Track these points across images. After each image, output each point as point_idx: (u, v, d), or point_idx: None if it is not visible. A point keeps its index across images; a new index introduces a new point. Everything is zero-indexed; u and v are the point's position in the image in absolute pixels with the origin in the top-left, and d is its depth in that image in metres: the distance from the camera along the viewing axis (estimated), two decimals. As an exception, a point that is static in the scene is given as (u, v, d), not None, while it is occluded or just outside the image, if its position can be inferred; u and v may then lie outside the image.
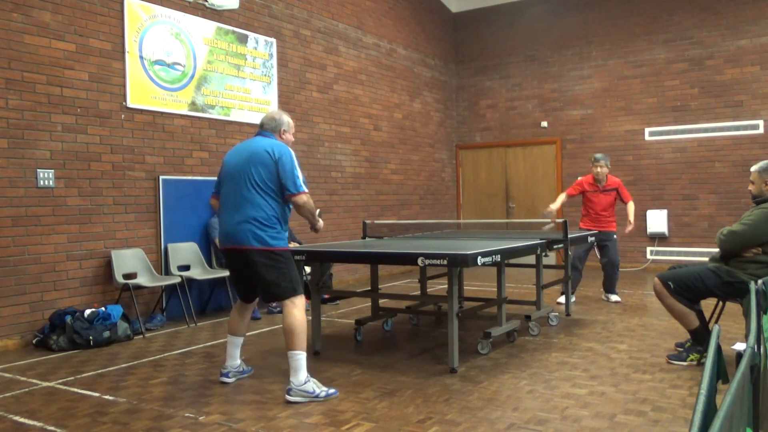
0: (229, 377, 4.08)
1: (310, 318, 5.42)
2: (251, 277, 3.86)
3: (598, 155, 7.08)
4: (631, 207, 7.09)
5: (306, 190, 3.81)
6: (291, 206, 3.88)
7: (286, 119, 4.03)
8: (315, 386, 3.70)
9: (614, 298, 7.01)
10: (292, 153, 3.85)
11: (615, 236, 6.99)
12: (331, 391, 3.77)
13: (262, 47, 7.69)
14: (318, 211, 4.05)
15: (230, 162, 3.94)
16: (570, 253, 6.22)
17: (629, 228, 7.05)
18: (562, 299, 7.10)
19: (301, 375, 3.67)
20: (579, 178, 7.36)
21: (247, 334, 5.62)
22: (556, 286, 6.55)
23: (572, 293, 7.05)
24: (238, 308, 4.11)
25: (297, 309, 3.75)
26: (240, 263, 3.85)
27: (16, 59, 5.28)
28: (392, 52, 10.17)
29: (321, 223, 4.05)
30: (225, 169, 3.97)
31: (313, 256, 4.68)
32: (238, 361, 4.15)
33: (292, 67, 8.18)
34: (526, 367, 4.33)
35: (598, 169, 6.99)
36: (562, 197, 7.20)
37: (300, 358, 3.68)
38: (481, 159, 11.82)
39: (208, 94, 6.97)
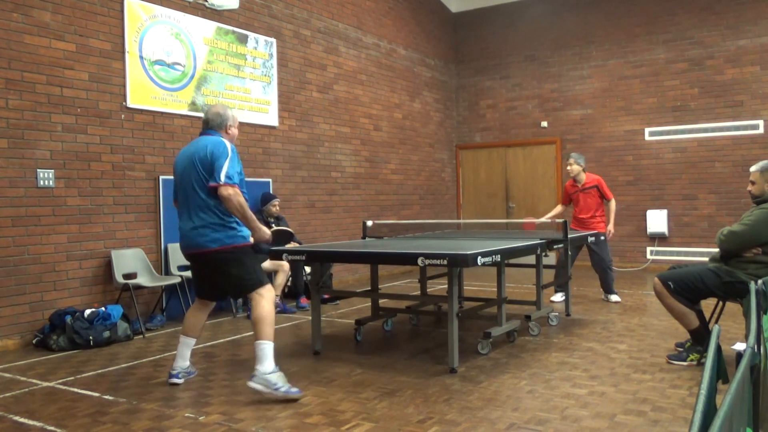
0: (179, 378, 4.04)
1: (309, 318, 5.43)
2: (214, 277, 3.90)
3: (572, 153, 7.15)
4: (612, 206, 7.04)
5: (230, 183, 3.63)
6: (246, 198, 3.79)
7: (231, 113, 4.01)
8: (279, 379, 3.65)
9: (614, 298, 7.00)
10: (228, 146, 3.76)
11: (602, 237, 6.95)
12: (293, 389, 3.67)
13: (262, 47, 7.69)
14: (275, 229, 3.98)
15: (178, 166, 3.93)
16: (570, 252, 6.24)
17: (610, 234, 7.00)
18: (555, 297, 7.12)
19: (267, 364, 3.64)
20: (566, 182, 7.38)
21: (246, 334, 5.62)
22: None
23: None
24: (197, 308, 4.10)
25: (265, 300, 3.77)
26: (201, 266, 3.91)
27: (16, 59, 5.28)
28: (392, 52, 10.17)
29: (264, 232, 3.84)
30: (176, 174, 3.96)
31: (313, 256, 4.67)
32: (188, 362, 4.11)
33: (292, 67, 8.18)
34: (526, 367, 4.33)
35: (568, 167, 7.06)
36: (557, 208, 7.34)
37: (266, 347, 3.66)
38: (481, 159, 11.82)
39: (208, 94, 6.97)
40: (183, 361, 4.07)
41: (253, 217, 3.79)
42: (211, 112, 3.98)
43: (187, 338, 4.06)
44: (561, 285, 6.96)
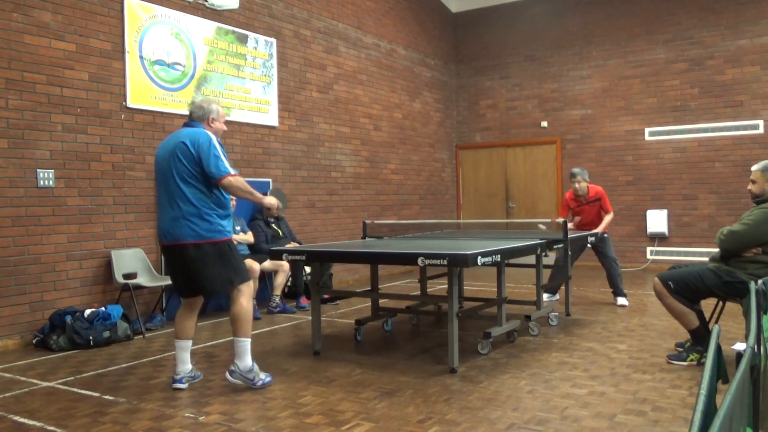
0: (183, 383, 3.95)
1: (309, 318, 5.43)
2: (188, 273, 3.81)
3: (575, 170, 6.96)
4: (608, 218, 6.91)
5: (231, 172, 3.72)
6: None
7: (215, 107, 3.97)
8: (256, 375, 3.88)
9: (621, 301, 6.76)
10: (212, 138, 3.77)
11: (606, 235, 6.90)
12: (267, 379, 3.91)
13: (262, 47, 7.69)
14: (276, 202, 4.03)
15: (158, 157, 3.88)
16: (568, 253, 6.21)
17: (596, 231, 6.88)
18: (545, 296, 7.08)
19: (246, 360, 3.84)
20: (565, 195, 7.27)
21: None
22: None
23: (555, 293, 7.06)
24: (185, 309, 4.02)
25: (243, 297, 3.82)
26: (178, 259, 3.81)
27: (16, 59, 5.28)
28: (392, 52, 10.17)
29: (269, 200, 4.00)
30: (155, 165, 3.92)
31: (313, 256, 4.67)
32: (190, 366, 4.04)
33: (292, 67, 8.18)
34: (526, 367, 4.33)
35: (576, 185, 6.90)
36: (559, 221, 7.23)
37: (245, 344, 3.83)
38: (481, 159, 11.82)
39: (208, 94, 6.97)
40: (184, 365, 3.99)
41: (253, 190, 3.84)
42: (194, 104, 4.02)
43: (181, 342, 3.98)
44: (551, 287, 6.93)
